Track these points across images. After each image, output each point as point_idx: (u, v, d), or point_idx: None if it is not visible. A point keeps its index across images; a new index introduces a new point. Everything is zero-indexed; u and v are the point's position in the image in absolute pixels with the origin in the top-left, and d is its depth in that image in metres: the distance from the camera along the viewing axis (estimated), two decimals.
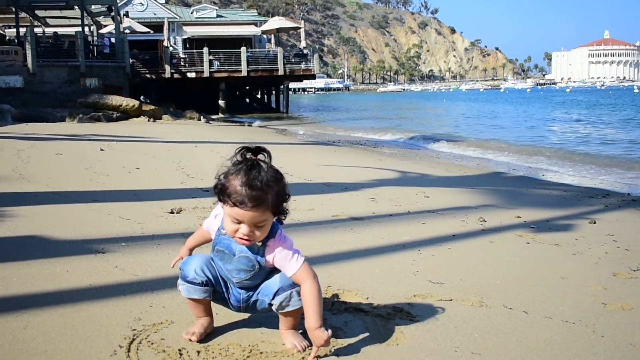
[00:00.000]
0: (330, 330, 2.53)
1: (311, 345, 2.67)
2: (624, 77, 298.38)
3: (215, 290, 2.72)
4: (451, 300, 3.46)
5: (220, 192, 2.44)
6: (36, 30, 32.52)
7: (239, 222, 2.44)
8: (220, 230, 2.62)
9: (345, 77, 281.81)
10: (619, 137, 23.36)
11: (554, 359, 2.71)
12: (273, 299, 2.63)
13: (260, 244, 2.58)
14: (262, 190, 2.38)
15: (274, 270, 2.66)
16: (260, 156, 2.48)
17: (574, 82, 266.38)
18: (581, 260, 4.65)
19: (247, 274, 2.64)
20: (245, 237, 2.47)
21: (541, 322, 3.17)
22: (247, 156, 2.46)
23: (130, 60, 34.99)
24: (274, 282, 2.63)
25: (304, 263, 2.62)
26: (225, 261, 2.65)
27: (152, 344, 2.63)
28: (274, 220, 2.57)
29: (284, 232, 2.65)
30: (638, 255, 4.88)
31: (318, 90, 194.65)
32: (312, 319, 2.53)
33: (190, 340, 2.67)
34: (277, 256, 2.60)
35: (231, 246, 2.60)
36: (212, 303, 2.80)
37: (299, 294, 2.62)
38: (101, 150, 11.19)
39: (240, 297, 2.71)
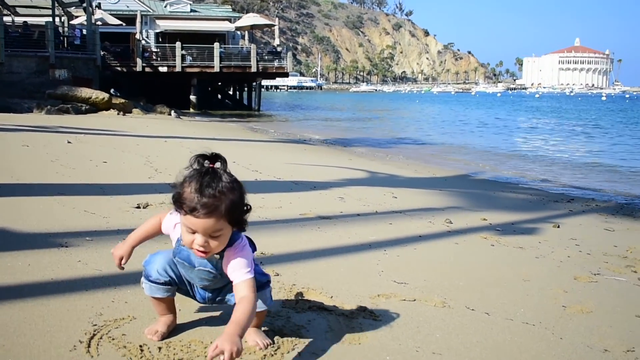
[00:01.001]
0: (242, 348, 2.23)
1: (273, 343, 2.67)
2: (593, 85, 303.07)
3: (179, 287, 2.70)
4: (414, 300, 3.49)
5: (176, 200, 2.35)
6: (5, 19, 31.93)
7: (194, 232, 2.35)
8: (180, 240, 2.54)
9: (319, 76, 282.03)
10: (578, 144, 23.75)
11: (514, 359, 2.75)
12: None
13: (218, 256, 2.49)
14: (215, 197, 2.29)
15: None
16: (217, 164, 2.39)
17: (544, 87, 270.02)
18: (544, 263, 4.72)
19: (209, 282, 2.62)
20: (202, 249, 2.38)
21: (502, 324, 3.21)
22: (204, 163, 2.38)
23: (101, 53, 34.63)
24: None
25: (250, 279, 2.45)
26: (187, 270, 2.60)
27: (113, 339, 2.61)
28: (235, 229, 2.46)
29: (245, 242, 2.54)
30: (599, 260, 4.97)
31: (291, 89, 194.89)
32: (233, 324, 2.27)
33: (153, 339, 2.65)
34: (229, 264, 2.48)
35: (190, 258, 2.53)
36: (175, 299, 2.78)
37: (262, 298, 2.60)
38: (68, 142, 11.04)
39: (205, 295, 2.70)
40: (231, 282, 2.52)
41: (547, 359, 2.79)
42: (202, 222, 2.31)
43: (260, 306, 2.60)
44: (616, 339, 3.11)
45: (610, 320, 3.42)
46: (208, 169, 2.35)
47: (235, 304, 2.54)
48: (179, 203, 2.33)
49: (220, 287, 2.64)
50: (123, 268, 2.76)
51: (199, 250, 2.39)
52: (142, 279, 2.67)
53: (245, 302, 2.37)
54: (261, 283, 2.61)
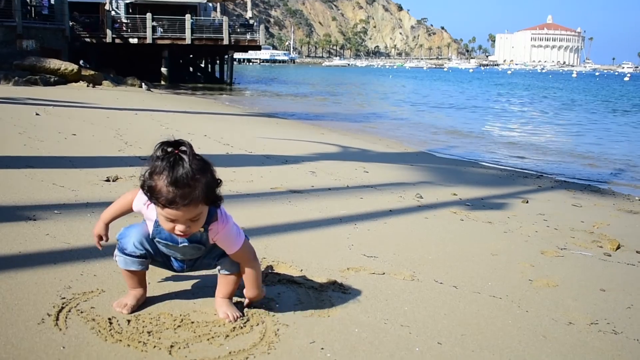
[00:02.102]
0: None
1: (243, 315, 2.69)
2: (564, 62, 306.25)
3: (153, 260, 2.70)
4: (384, 273, 3.52)
5: (149, 192, 2.33)
6: None
7: (173, 221, 2.37)
8: (158, 222, 2.53)
9: (291, 49, 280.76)
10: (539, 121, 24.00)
11: (480, 332, 2.79)
12: (218, 260, 2.65)
13: (202, 229, 2.53)
14: (190, 185, 2.28)
15: None
16: (182, 148, 2.34)
17: (516, 64, 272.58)
18: (512, 238, 4.78)
19: (195, 254, 2.66)
20: (182, 234, 2.42)
21: (469, 297, 3.25)
22: (168, 150, 2.33)
23: (70, 23, 34.03)
24: (219, 248, 2.64)
25: (244, 242, 2.63)
26: (170, 248, 2.62)
27: (81, 312, 2.60)
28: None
29: (223, 210, 2.58)
30: (566, 235, 5.05)
31: (263, 62, 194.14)
32: (253, 290, 2.70)
33: (122, 312, 2.64)
34: (219, 237, 2.56)
35: (173, 237, 2.54)
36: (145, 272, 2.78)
37: None
38: (37, 114, 10.87)
39: (184, 265, 2.72)
40: (211, 248, 2.63)
41: (513, 331, 2.84)
42: (182, 213, 2.32)
43: (238, 268, 2.68)
44: (581, 312, 3.17)
45: (575, 293, 3.49)
46: (175, 157, 2.31)
47: (214, 265, 2.71)
48: (154, 197, 2.32)
49: (198, 258, 2.66)
50: (102, 247, 2.83)
51: (180, 234, 2.43)
52: (116, 252, 2.66)
53: (251, 272, 2.67)
54: None
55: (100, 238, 2.80)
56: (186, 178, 2.27)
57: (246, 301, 2.76)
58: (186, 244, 2.58)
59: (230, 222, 2.59)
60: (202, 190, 2.31)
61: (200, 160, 2.35)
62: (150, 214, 2.56)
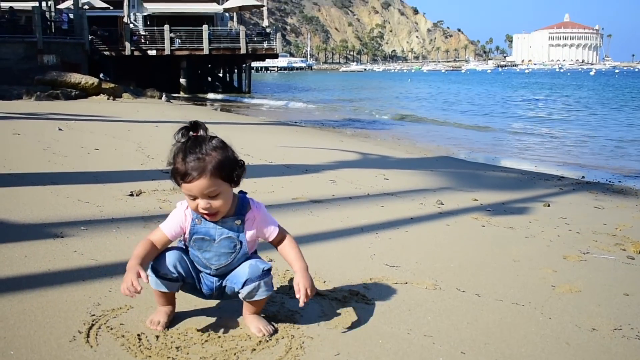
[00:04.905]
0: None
1: (277, 330, 2.72)
2: (583, 60, 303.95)
3: (185, 282, 2.74)
4: (406, 283, 3.55)
5: (172, 175, 2.52)
6: None
7: (194, 198, 2.50)
8: (195, 220, 2.63)
9: (309, 56, 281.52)
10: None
11: (503, 340, 2.81)
12: (242, 287, 2.66)
13: (239, 222, 2.65)
14: (199, 159, 2.44)
15: (247, 258, 2.72)
16: (200, 132, 2.56)
17: (535, 64, 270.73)
18: (534, 243, 4.78)
19: (228, 258, 2.68)
20: (206, 211, 2.53)
21: (492, 305, 3.27)
22: (190, 134, 2.56)
23: (89, 37, 34.42)
24: (242, 272, 2.66)
25: (281, 228, 2.84)
26: (204, 249, 2.67)
27: (111, 329, 2.65)
28: (237, 192, 2.68)
29: (255, 200, 2.75)
30: (588, 238, 5.04)
31: (281, 69, 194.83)
32: (302, 261, 2.77)
33: (156, 329, 2.68)
34: (257, 221, 2.73)
35: (210, 232, 2.64)
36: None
37: (266, 284, 2.66)
38: (59, 130, 11.02)
39: (212, 285, 2.75)
40: (239, 264, 2.70)
41: (536, 339, 2.85)
42: (196, 185, 2.46)
43: (262, 294, 2.68)
44: (604, 318, 3.18)
45: (598, 299, 3.49)
46: (190, 138, 2.53)
47: (237, 292, 2.70)
48: (173, 176, 2.50)
49: (229, 270, 2.70)
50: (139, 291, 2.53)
51: (206, 214, 2.55)
52: (149, 271, 2.62)
53: (292, 242, 2.86)
54: (265, 270, 2.68)
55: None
56: (197, 153, 2.46)
57: (301, 300, 2.66)
58: (224, 235, 2.65)
59: (263, 208, 2.76)
60: (214, 165, 2.46)
61: (215, 140, 2.54)
62: (189, 218, 2.66)
